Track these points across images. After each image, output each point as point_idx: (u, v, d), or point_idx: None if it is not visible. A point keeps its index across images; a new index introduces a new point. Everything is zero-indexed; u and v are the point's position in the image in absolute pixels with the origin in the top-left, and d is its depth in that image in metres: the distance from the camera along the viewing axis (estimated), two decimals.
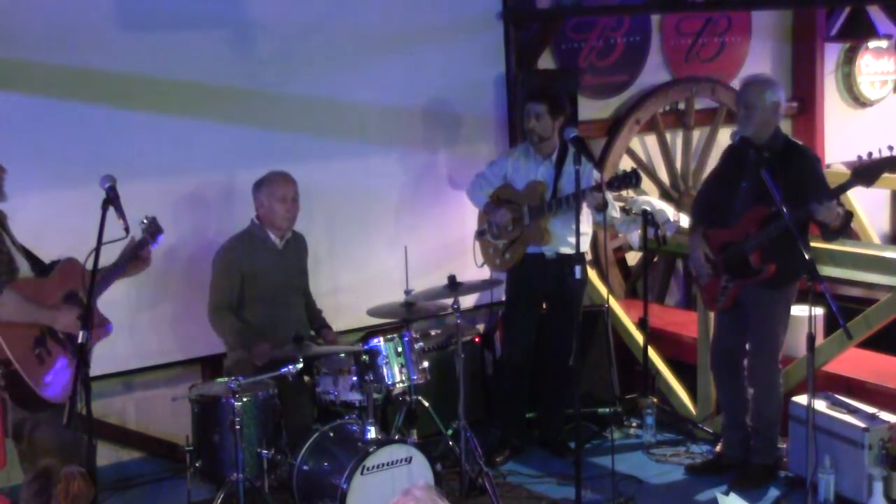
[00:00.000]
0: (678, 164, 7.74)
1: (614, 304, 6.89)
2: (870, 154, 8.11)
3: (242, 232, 5.84)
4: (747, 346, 5.69)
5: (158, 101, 5.93)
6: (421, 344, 5.43)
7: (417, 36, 6.65)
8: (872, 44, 8.45)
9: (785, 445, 5.79)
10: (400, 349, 5.27)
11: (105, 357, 5.14)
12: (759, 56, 8.05)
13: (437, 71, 6.74)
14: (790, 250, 5.11)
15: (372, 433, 5.04)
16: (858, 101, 8.59)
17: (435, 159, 6.83)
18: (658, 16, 7.58)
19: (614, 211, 6.14)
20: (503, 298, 6.49)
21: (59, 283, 4.69)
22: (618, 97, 7.53)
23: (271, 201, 5.74)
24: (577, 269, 5.34)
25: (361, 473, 4.91)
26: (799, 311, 5.68)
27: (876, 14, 7.89)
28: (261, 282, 5.76)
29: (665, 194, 7.59)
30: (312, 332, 5.93)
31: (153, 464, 6.16)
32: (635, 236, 6.65)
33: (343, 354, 5.46)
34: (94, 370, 4.54)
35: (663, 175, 7.71)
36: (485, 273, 6.32)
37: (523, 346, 6.23)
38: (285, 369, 5.04)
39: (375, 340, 5.28)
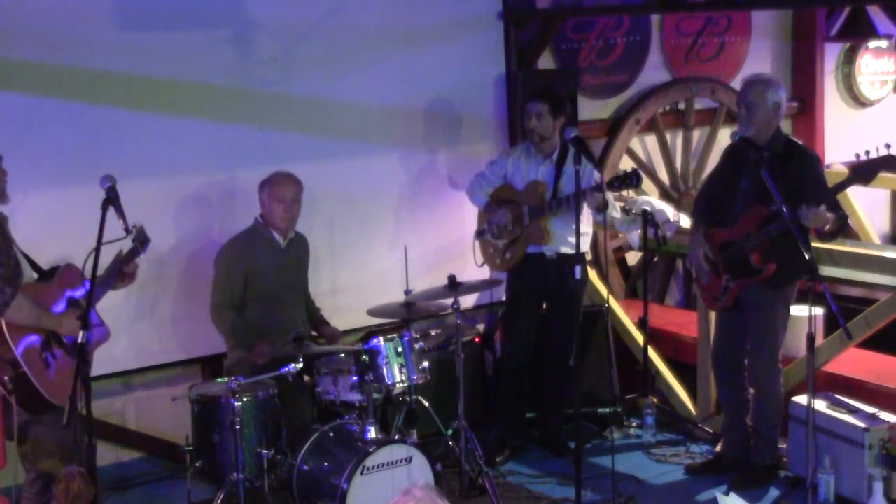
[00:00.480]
0: (678, 164, 7.74)
1: (614, 304, 6.89)
2: (867, 153, 8.11)
3: (246, 230, 5.84)
4: (748, 346, 5.69)
5: (158, 100, 5.93)
6: (421, 344, 5.44)
7: (417, 36, 6.64)
8: (872, 44, 8.44)
9: (785, 445, 5.78)
10: (400, 349, 5.27)
11: (105, 357, 5.13)
12: (759, 56, 8.04)
13: (437, 71, 6.73)
14: (791, 250, 5.11)
15: (372, 433, 5.05)
16: (858, 100, 8.58)
17: (435, 159, 6.83)
18: (658, 16, 7.57)
19: (614, 211, 6.15)
20: (503, 298, 6.49)
21: (61, 288, 4.69)
22: (618, 97, 7.53)
23: (271, 201, 5.75)
24: (578, 269, 5.33)
25: (361, 473, 4.91)
26: (799, 311, 5.68)
27: (876, 14, 7.89)
28: (263, 280, 5.76)
29: (665, 194, 7.59)
30: (313, 332, 5.93)
31: (153, 464, 6.15)
32: (635, 236, 6.64)
33: (343, 354, 5.47)
34: (95, 370, 4.53)
35: (663, 175, 7.71)
36: (485, 273, 6.33)
37: (523, 346, 6.22)
38: (285, 369, 5.04)
39: (375, 340, 5.28)
